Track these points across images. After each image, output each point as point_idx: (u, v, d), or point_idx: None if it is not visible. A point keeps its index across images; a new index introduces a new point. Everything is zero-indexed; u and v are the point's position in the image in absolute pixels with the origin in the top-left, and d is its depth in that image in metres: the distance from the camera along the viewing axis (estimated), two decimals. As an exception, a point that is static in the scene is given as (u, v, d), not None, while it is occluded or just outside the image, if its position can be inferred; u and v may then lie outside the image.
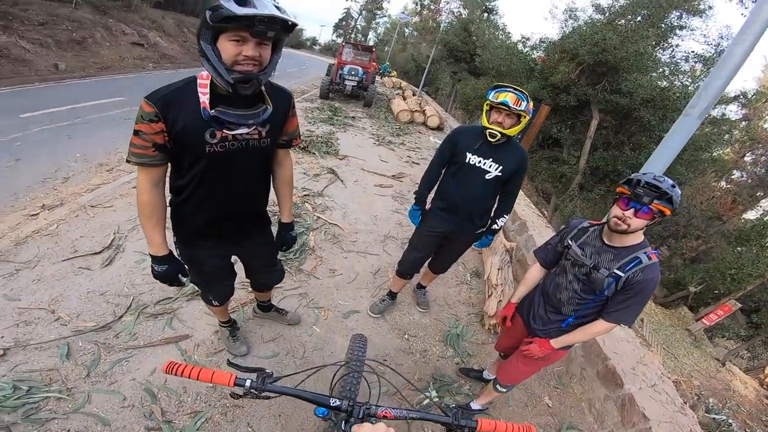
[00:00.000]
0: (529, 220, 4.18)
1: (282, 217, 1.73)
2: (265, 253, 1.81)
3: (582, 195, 7.41)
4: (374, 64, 13.07)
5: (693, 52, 7.59)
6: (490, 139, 1.95)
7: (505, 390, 1.95)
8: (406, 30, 44.37)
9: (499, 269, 3.31)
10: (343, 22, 63.82)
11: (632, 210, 1.32)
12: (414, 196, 2.39)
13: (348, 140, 7.42)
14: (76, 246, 2.82)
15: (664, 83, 7.04)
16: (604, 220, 1.52)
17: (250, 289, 2.24)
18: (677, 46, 7.73)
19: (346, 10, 62.24)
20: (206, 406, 1.86)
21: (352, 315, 2.72)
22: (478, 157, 2.04)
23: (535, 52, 8.67)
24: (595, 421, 2.38)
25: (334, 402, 0.92)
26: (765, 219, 13.98)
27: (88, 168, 4.42)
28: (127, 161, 1.23)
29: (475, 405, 2.17)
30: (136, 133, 1.18)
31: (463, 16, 17.50)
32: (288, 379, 0.99)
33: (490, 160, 2.03)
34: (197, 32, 1.10)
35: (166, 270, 1.40)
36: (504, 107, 1.85)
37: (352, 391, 1.28)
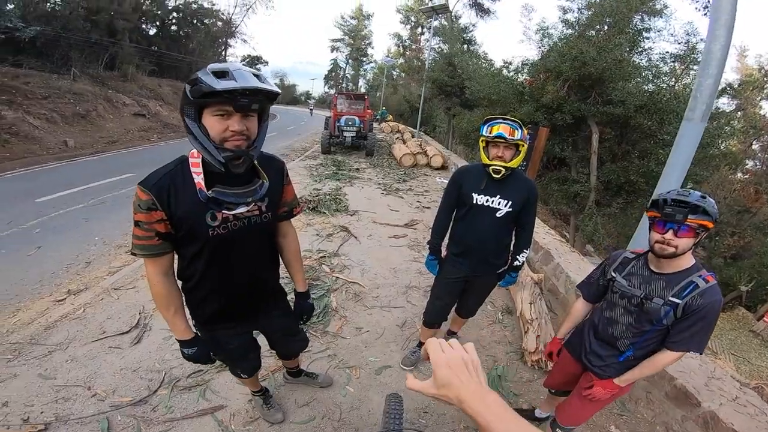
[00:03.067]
0: (553, 248, 4.07)
1: (296, 287, 1.70)
2: (285, 325, 1.75)
3: (600, 211, 7.25)
4: (369, 111, 13.27)
5: (668, 52, 7.72)
6: (494, 175, 1.91)
7: (567, 431, 1.82)
8: (394, 72, 46.18)
9: (530, 303, 3.19)
10: (333, 73, 66.84)
11: (671, 231, 1.27)
12: (427, 246, 2.33)
13: (356, 194, 7.44)
14: (104, 327, 2.87)
15: (651, 87, 7.08)
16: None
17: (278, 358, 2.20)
18: (650, 49, 7.88)
19: (333, 61, 65.34)
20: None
21: (384, 370, 2.62)
22: (485, 196, 1.99)
23: (520, 75, 8.85)
24: None
25: None
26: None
27: (108, 251, 4.53)
28: (132, 254, 1.18)
29: None
30: (136, 224, 1.13)
31: (445, 51, 18.20)
32: None
33: (498, 197, 1.98)
34: (180, 109, 1.06)
35: (196, 352, 1.38)
36: (501, 140, 1.82)
37: None
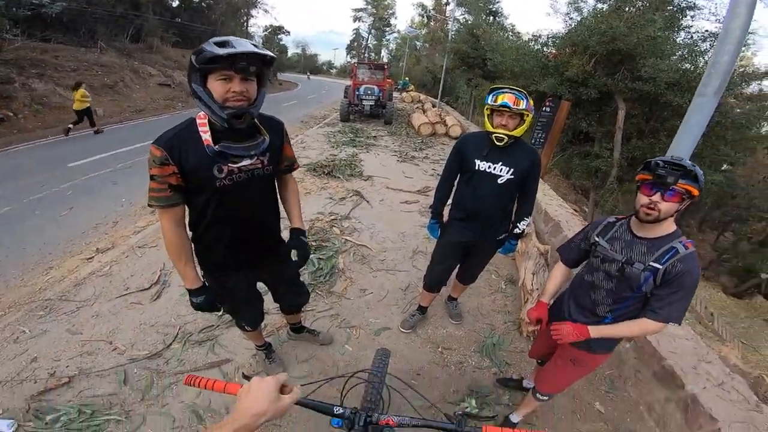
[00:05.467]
0: (563, 220, 4.02)
1: (293, 223, 1.75)
2: (288, 276, 1.90)
3: (622, 188, 7.11)
4: (389, 81, 13.37)
5: (707, 31, 7.31)
6: (497, 143, 1.94)
7: (546, 398, 1.87)
8: (417, 43, 44.72)
9: (533, 273, 3.20)
10: (355, 43, 65.53)
11: (658, 194, 1.27)
12: (429, 210, 2.40)
13: (371, 160, 7.56)
14: (127, 284, 3.09)
15: (687, 65, 6.74)
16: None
17: (282, 313, 2.34)
18: (690, 27, 7.55)
19: (355, 31, 63.97)
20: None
21: (383, 332, 2.75)
22: (488, 162, 2.03)
23: (545, 48, 8.52)
24: (656, 425, 2.23)
25: (338, 410, 0.95)
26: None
27: (134, 211, 4.81)
28: (149, 205, 1.33)
29: (515, 417, 2.07)
30: (151, 177, 1.28)
31: (469, 21, 17.51)
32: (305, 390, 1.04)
33: (500, 164, 2.01)
34: (188, 76, 1.21)
35: (203, 300, 1.51)
36: (505, 109, 1.85)
37: (370, 401, 1.29)
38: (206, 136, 1.27)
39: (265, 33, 41.60)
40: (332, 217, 4.48)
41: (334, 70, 70.53)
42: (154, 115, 13.09)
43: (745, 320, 10.26)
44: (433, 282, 2.57)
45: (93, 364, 2.27)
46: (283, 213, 1.72)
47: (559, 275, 1.74)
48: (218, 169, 1.32)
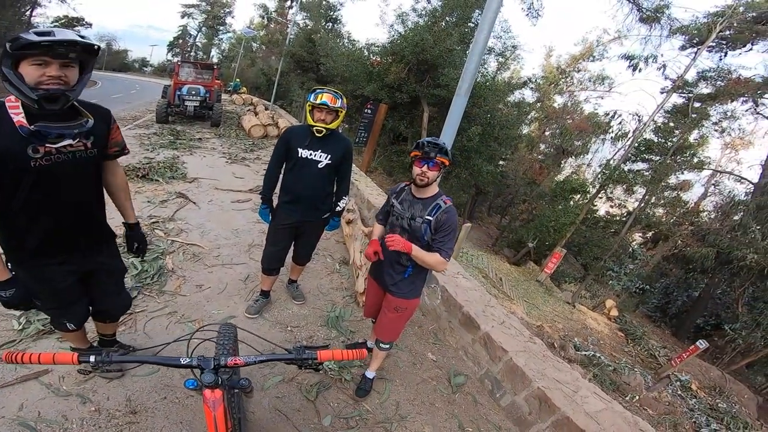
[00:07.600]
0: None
1: (127, 219, 1.77)
2: (115, 269, 1.78)
3: None
4: (218, 81, 12.48)
5: (492, 49, 9.40)
6: (317, 134, 2.27)
7: (387, 347, 2.19)
8: (254, 44, 42.80)
9: (361, 252, 3.64)
10: (180, 41, 58.09)
11: (426, 166, 1.76)
12: (260, 196, 2.60)
13: (196, 162, 7.01)
14: None
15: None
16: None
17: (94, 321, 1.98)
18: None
19: (182, 28, 56.69)
20: (97, 429, 1.77)
21: (229, 320, 2.71)
22: (309, 150, 2.35)
23: (372, 56, 9.52)
24: (474, 365, 2.75)
25: (184, 360, 1.01)
26: (567, 179, 17.96)
27: None
28: None
29: (369, 373, 2.33)
30: None
31: (309, 27, 17.97)
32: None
33: (320, 151, 2.36)
34: None
35: (14, 293, 1.37)
36: (324, 107, 2.19)
37: (221, 349, 1.38)
38: (18, 118, 1.22)
39: (55, 25, 33.11)
40: (153, 220, 4.08)
41: (149, 69, 60.90)
42: None
43: (524, 283, 12.95)
44: (270, 264, 2.71)
45: None
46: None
47: (378, 228, 2.17)
48: (33, 149, 1.26)
